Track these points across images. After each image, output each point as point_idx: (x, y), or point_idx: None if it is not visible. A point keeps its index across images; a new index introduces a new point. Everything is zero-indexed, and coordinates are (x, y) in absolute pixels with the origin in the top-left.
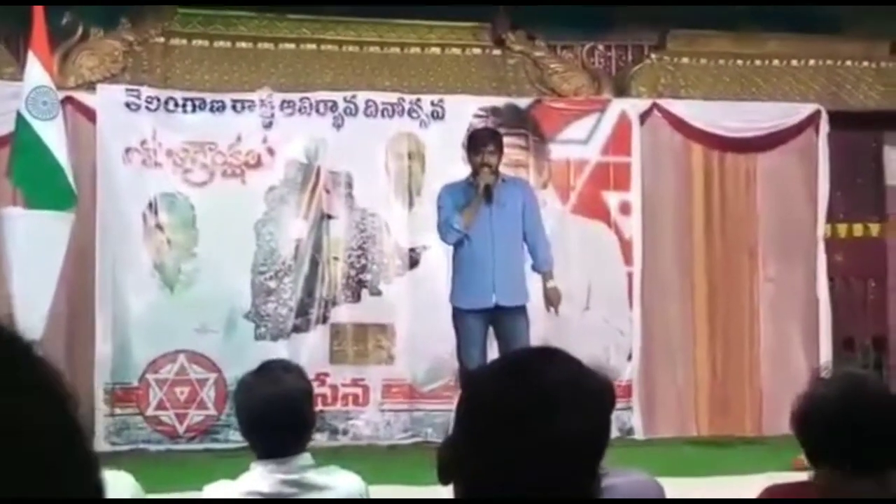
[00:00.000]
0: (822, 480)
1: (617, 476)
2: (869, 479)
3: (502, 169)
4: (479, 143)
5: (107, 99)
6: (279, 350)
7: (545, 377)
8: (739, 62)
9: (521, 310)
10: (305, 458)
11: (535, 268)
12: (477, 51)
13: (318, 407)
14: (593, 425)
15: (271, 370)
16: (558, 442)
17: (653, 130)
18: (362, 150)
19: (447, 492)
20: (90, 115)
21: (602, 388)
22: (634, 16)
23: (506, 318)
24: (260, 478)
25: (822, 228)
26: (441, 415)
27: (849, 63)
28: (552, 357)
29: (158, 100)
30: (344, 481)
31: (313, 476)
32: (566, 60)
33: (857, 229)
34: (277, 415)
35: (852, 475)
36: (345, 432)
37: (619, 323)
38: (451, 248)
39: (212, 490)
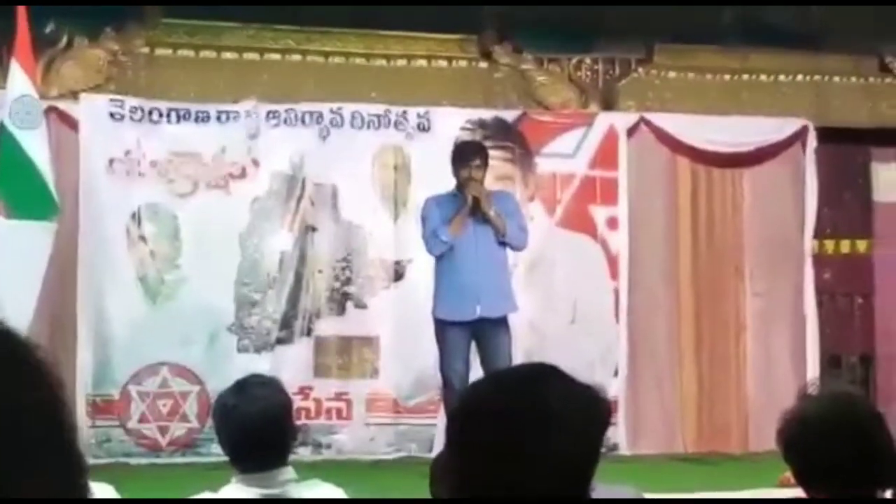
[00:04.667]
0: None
1: (602, 490)
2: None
3: (489, 182)
4: (466, 156)
5: (91, 109)
6: (262, 363)
7: (541, 393)
8: (727, 77)
9: (504, 324)
10: (287, 472)
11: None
12: (463, 63)
13: (302, 420)
14: (588, 441)
15: (248, 388)
16: (553, 458)
17: (640, 144)
18: (348, 162)
19: None
20: (74, 125)
21: (598, 405)
22: (622, 29)
23: (489, 332)
24: (241, 493)
25: (809, 244)
26: (426, 429)
27: (836, 79)
28: (548, 373)
29: (143, 110)
30: (326, 495)
31: (295, 490)
32: (553, 73)
33: (845, 245)
34: (257, 434)
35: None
36: (328, 446)
37: (605, 338)
38: (434, 260)
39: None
